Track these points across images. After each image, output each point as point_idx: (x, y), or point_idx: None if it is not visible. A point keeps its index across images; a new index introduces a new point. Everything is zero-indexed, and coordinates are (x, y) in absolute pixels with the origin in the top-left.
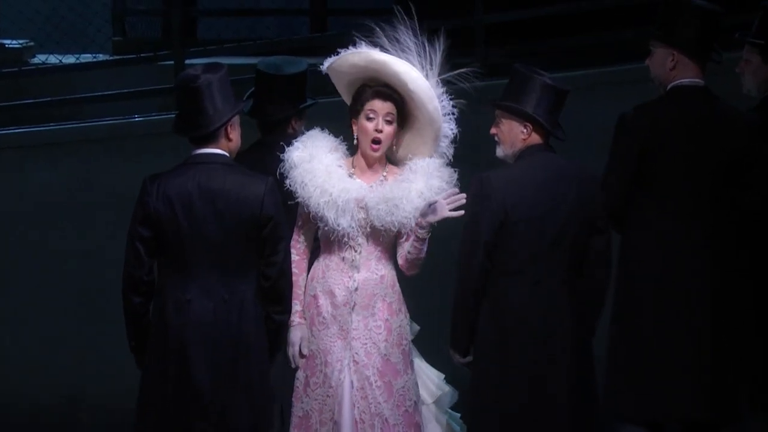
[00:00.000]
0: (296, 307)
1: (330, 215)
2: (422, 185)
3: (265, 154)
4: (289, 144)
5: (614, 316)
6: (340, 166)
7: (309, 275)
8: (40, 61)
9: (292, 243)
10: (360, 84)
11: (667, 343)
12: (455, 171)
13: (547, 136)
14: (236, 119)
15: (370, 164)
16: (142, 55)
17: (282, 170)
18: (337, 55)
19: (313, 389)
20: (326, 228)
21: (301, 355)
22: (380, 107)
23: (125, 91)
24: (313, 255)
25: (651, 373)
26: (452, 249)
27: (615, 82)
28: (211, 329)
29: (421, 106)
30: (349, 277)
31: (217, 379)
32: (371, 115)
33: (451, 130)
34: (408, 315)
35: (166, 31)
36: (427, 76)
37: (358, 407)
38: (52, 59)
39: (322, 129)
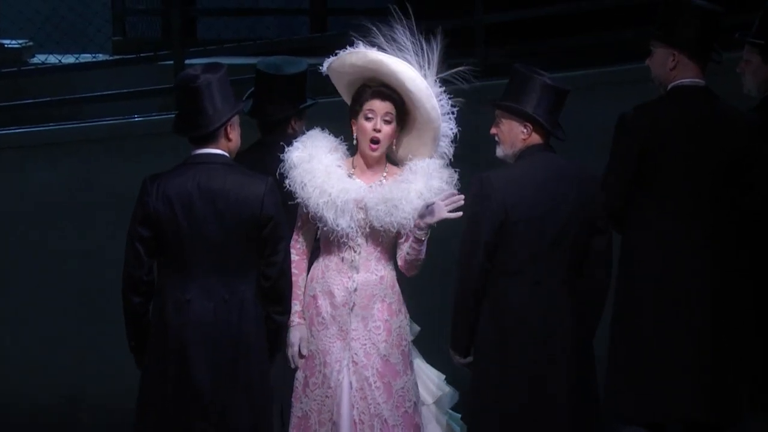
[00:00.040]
0: (296, 307)
1: (329, 216)
2: (422, 186)
3: (264, 154)
4: (289, 144)
5: (614, 316)
6: (340, 167)
7: (309, 275)
8: (40, 61)
9: (292, 243)
10: (360, 84)
11: (667, 343)
12: (455, 171)
13: (548, 136)
14: (236, 119)
15: (370, 164)
16: (141, 55)
17: (282, 170)
18: (336, 55)
19: (312, 390)
20: (325, 228)
21: (301, 356)
22: (379, 107)
23: (125, 91)
24: (313, 255)
25: (651, 373)
26: (452, 249)
27: (615, 82)
28: (211, 329)
29: (419, 106)
30: (349, 277)
31: (217, 379)
32: (370, 115)
33: (451, 129)
34: (408, 316)
35: (166, 31)
36: (425, 76)
37: (357, 408)
38: (52, 59)
39: (322, 129)
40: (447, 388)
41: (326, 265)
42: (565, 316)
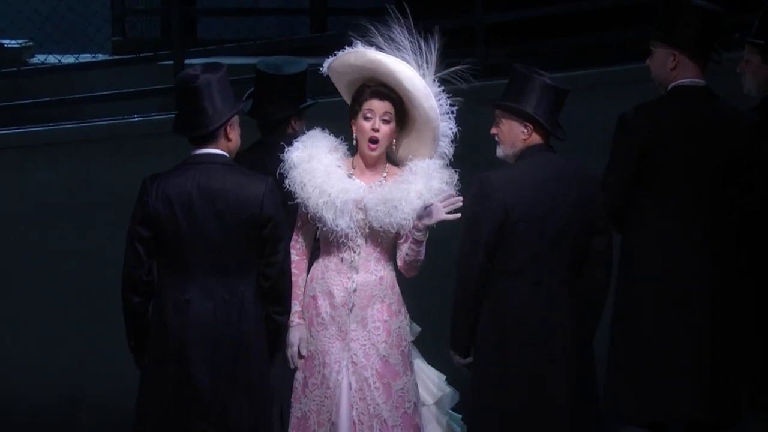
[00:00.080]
0: (295, 307)
1: (328, 216)
2: (421, 186)
3: (264, 154)
4: (290, 144)
5: (614, 316)
6: (340, 167)
7: (308, 276)
8: (40, 61)
9: (292, 243)
10: (360, 84)
11: (667, 343)
12: (456, 171)
13: (548, 136)
14: (236, 119)
15: (370, 165)
16: (141, 55)
17: (281, 170)
18: (336, 55)
19: (311, 390)
20: (325, 229)
21: (300, 356)
22: (378, 107)
23: (125, 91)
24: (313, 255)
25: (651, 373)
26: (452, 249)
27: (615, 82)
28: (210, 329)
29: (417, 105)
30: (348, 278)
31: (216, 379)
32: (368, 115)
33: (451, 129)
34: (408, 316)
35: (166, 31)
36: (423, 76)
37: (356, 408)
38: (52, 59)
39: (323, 129)
40: (447, 389)
41: (326, 265)
42: (565, 316)
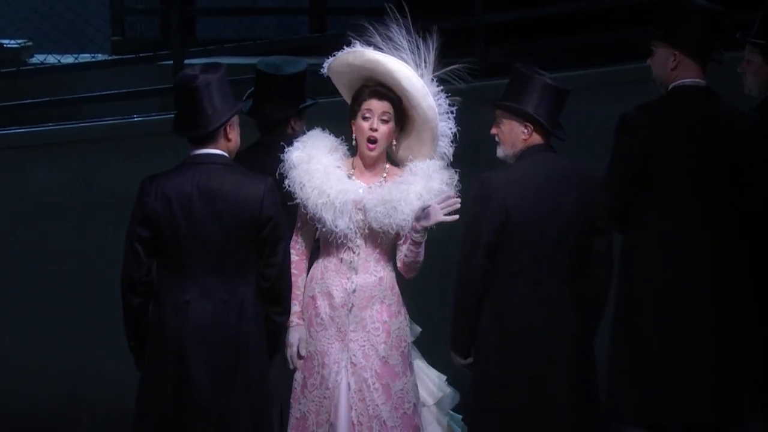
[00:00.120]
0: (295, 307)
1: (328, 216)
2: (421, 187)
3: (264, 154)
4: (290, 144)
5: (615, 316)
6: (339, 167)
7: (308, 276)
8: (39, 61)
9: (292, 243)
10: (360, 84)
11: (668, 343)
12: (456, 172)
13: (548, 136)
14: (235, 119)
15: (369, 165)
16: (140, 54)
17: (281, 170)
18: (335, 56)
19: (310, 391)
20: (324, 229)
21: (299, 356)
22: (376, 106)
23: (124, 91)
24: (313, 255)
25: (652, 374)
26: (452, 250)
27: (615, 82)
28: (209, 330)
29: (416, 105)
30: (348, 278)
31: (216, 380)
32: (367, 115)
33: (450, 129)
34: (408, 317)
35: (165, 31)
36: (422, 75)
37: (355, 409)
38: (51, 59)
39: (323, 129)
40: (448, 389)
41: (325, 265)
42: (566, 317)
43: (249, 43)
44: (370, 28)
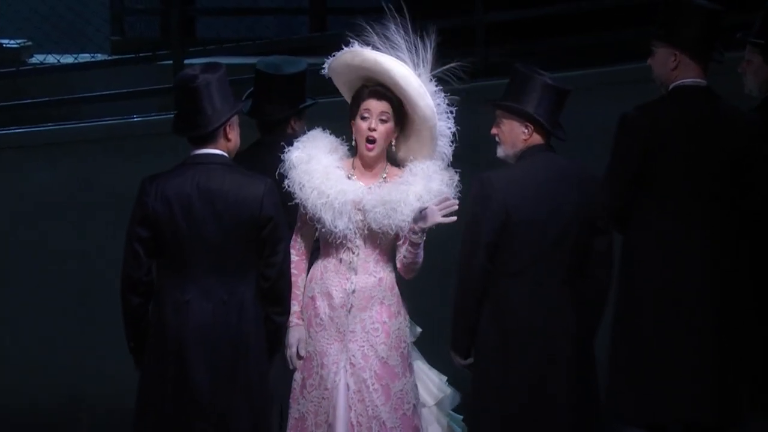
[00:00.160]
0: (294, 308)
1: (327, 217)
2: (421, 188)
3: (264, 154)
4: (290, 144)
5: (615, 316)
6: (339, 168)
7: (308, 276)
8: (38, 61)
9: (292, 243)
10: (360, 85)
11: (668, 343)
12: (456, 172)
13: (548, 137)
14: (235, 119)
15: (369, 165)
16: (140, 54)
17: (281, 170)
18: (335, 56)
19: (309, 391)
20: (323, 230)
21: (299, 357)
22: (375, 106)
23: (124, 91)
24: (313, 256)
25: (652, 374)
26: (452, 250)
27: (615, 82)
28: (209, 330)
29: (413, 104)
30: (347, 279)
31: (216, 380)
32: (366, 115)
33: (449, 129)
34: (407, 317)
35: (165, 31)
36: (419, 75)
37: (355, 410)
38: (50, 59)
39: (323, 129)
40: (448, 390)
41: (325, 266)
42: (566, 317)
43: (249, 43)
44: (369, 28)
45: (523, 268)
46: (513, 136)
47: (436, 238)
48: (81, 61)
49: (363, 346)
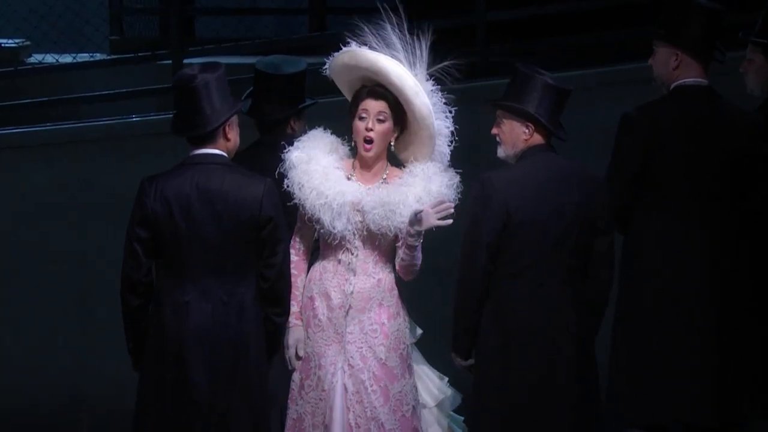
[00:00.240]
0: (293, 308)
1: (325, 218)
2: (420, 190)
3: (264, 154)
4: (290, 144)
5: (616, 317)
6: (338, 168)
7: (307, 277)
8: (37, 61)
9: (292, 243)
10: (360, 85)
11: (668, 344)
12: (457, 173)
13: (549, 137)
14: (234, 119)
15: (369, 166)
16: (139, 54)
17: (281, 170)
18: (333, 56)
19: (307, 392)
20: (322, 230)
21: (298, 357)
22: (372, 106)
23: (123, 90)
24: (313, 256)
25: (652, 374)
26: (453, 250)
27: (615, 82)
28: (209, 331)
29: (410, 103)
30: (346, 280)
31: (215, 381)
32: (363, 115)
33: (447, 128)
34: (407, 319)
35: (164, 30)
36: (416, 75)
37: (353, 412)
38: (49, 59)
39: (325, 129)
40: (449, 391)
41: (324, 266)
42: (567, 318)
43: (248, 43)
44: (366, 28)
45: (523, 269)
46: (514, 136)
47: (436, 238)
48: (80, 60)
49: (361, 348)
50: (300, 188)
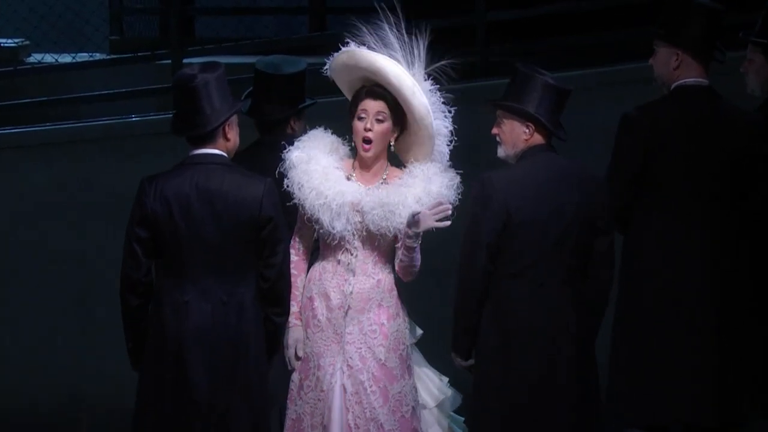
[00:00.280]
0: (293, 308)
1: (325, 218)
2: (420, 190)
3: (264, 154)
4: (290, 144)
5: (616, 317)
6: (338, 168)
7: (307, 277)
8: (37, 61)
9: (292, 243)
10: (360, 85)
11: (668, 344)
12: (457, 173)
13: (549, 137)
14: (234, 119)
15: (368, 166)
16: (139, 54)
17: (281, 170)
18: (333, 56)
19: (306, 392)
20: (322, 231)
21: (297, 358)
22: (371, 106)
23: (122, 90)
24: (313, 256)
25: (652, 374)
26: (453, 251)
27: (615, 82)
28: (209, 331)
29: (407, 102)
30: (345, 280)
31: (215, 381)
32: (362, 115)
33: (446, 127)
34: (407, 319)
35: (164, 30)
36: (414, 75)
37: (352, 412)
38: (49, 58)
39: (326, 129)
40: (449, 391)
41: (324, 267)
42: (567, 318)
43: (248, 43)
44: (364, 28)
45: (523, 269)
46: (514, 136)
47: (435, 239)
48: (79, 60)
49: (360, 348)
50: (299, 188)
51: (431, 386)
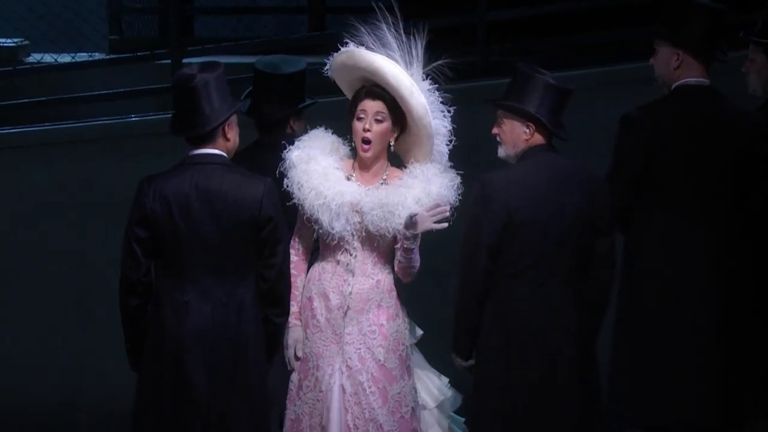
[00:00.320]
0: (293, 308)
1: (324, 218)
2: (419, 191)
3: (263, 154)
4: (291, 143)
5: (618, 317)
6: (338, 168)
7: (307, 277)
8: (36, 60)
9: (292, 243)
10: (360, 85)
11: (671, 344)
12: (458, 174)
13: (550, 137)
14: (234, 119)
15: (368, 166)
16: (138, 53)
17: (281, 170)
18: (333, 56)
19: (305, 393)
20: (321, 231)
21: (297, 358)
22: (370, 106)
23: (122, 90)
24: (313, 256)
25: (654, 375)
26: (453, 251)
27: (615, 82)
28: (208, 331)
29: (406, 102)
30: (344, 281)
31: (215, 381)
32: (361, 115)
33: (445, 127)
34: (407, 320)
35: (163, 30)
36: (412, 75)
37: (351, 413)
38: (48, 58)
39: (326, 129)
40: (449, 392)
41: (323, 267)
42: (568, 318)
43: (247, 42)
44: (362, 27)
45: (524, 269)
46: (514, 136)
47: (435, 239)
48: (78, 60)
49: (360, 349)
50: (299, 188)
51: (431, 387)
